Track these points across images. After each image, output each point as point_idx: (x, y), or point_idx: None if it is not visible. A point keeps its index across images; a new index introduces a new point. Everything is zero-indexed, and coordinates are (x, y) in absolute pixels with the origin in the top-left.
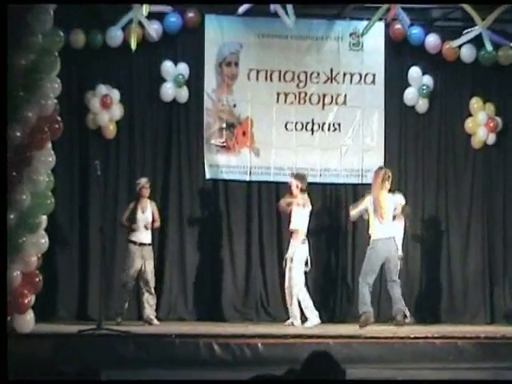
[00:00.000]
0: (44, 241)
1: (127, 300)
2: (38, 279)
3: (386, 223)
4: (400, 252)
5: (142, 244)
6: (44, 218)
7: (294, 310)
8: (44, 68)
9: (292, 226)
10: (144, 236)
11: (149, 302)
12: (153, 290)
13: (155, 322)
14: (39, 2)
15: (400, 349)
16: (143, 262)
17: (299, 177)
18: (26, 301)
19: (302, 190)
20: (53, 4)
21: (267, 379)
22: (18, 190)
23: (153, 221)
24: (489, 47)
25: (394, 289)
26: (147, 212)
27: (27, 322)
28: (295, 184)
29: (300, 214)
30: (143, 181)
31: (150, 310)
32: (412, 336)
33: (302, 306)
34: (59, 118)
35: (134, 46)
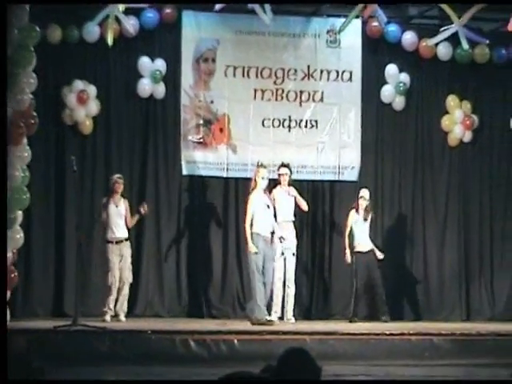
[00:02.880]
0: (19, 236)
1: (115, 298)
2: (13, 275)
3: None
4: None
5: (118, 241)
6: (19, 213)
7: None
8: (20, 63)
9: (291, 217)
10: (120, 232)
11: (120, 298)
12: (127, 287)
13: (122, 317)
14: (39, 3)
15: (376, 345)
16: (121, 258)
17: (289, 166)
18: None
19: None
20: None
21: (247, 378)
22: None
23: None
24: (465, 45)
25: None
26: (120, 207)
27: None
28: (288, 174)
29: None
30: (116, 176)
31: (119, 306)
32: (388, 332)
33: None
34: (35, 114)
35: (110, 41)
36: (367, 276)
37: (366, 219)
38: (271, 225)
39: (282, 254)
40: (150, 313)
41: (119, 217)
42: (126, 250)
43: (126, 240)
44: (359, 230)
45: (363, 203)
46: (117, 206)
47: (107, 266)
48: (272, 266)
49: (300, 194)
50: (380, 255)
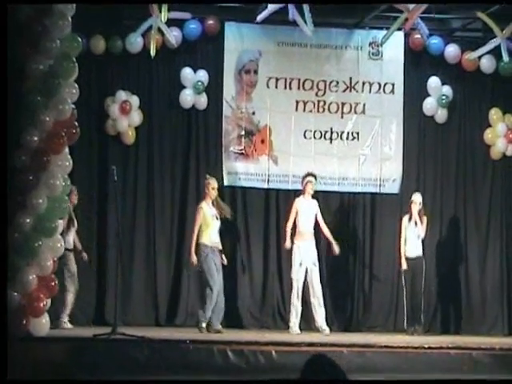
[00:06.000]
0: (60, 245)
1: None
2: (53, 283)
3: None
4: None
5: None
6: (60, 222)
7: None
8: (61, 73)
9: (311, 228)
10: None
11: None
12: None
13: (69, 325)
14: (39, 2)
15: (414, 358)
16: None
17: (315, 176)
18: (42, 304)
19: None
20: (70, 9)
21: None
22: (35, 194)
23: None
24: (505, 58)
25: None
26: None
27: (42, 325)
28: (314, 182)
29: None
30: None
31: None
32: (426, 346)
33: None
34: (76, 123)
35: (153, 52)
36: (411, 283)
37: (417, 224)
38: (218, 235)
39: (300, 264)
40: (191, 323)
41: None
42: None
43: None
44: (410, 235)
45: (415, 207)
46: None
47: (68, 274)
48: (220, 275)
49: (340, 208)
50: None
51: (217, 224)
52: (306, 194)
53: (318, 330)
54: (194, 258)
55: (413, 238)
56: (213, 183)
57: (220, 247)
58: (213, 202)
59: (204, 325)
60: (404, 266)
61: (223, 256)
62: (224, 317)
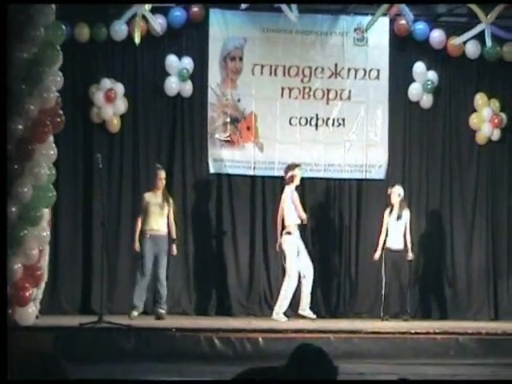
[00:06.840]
0: (45, 234)
1: None
2: (39, 272)
3: None
4: None
5: None
6: (46, 210)
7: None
8: (46, 61)
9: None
10: None
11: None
12: None
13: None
14: (39, 2)
15: (401, 344)
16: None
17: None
18: (28, 294)
19: None
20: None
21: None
22: (20, 183)
23: None
24: (488, 43)
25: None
26: None
27: (29, 314)
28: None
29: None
30: None
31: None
32: (413, 331)
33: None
34: (61, 112)
35: (137, 39)
36: (395, 274)
37: (399, 216)
38: (164, 224)
39: (298, 253)
40: (178, 310)
41: None
42: None
43: None
44: (392, 227)
45: (396, 199)
46: None
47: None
48: (163, 263)
49: (326, 195)
50: (409, 256)
51: (161, 213)
52: (294, 185)
53: (304, 316)
54: (137, 244)
55: (395, 230)
56: (160, 174)
57: (174, 236)
58: (163, 192)
59: (135, 313)
60: (376, 257)
61: (174, 246)
62: (211, 304)
